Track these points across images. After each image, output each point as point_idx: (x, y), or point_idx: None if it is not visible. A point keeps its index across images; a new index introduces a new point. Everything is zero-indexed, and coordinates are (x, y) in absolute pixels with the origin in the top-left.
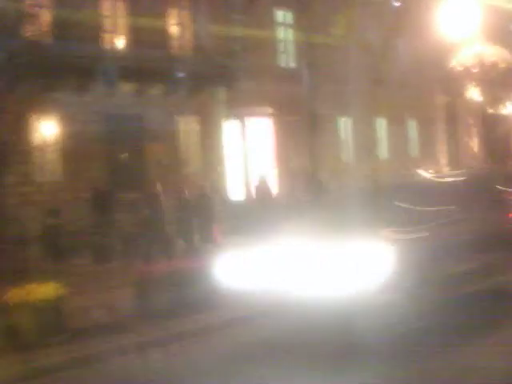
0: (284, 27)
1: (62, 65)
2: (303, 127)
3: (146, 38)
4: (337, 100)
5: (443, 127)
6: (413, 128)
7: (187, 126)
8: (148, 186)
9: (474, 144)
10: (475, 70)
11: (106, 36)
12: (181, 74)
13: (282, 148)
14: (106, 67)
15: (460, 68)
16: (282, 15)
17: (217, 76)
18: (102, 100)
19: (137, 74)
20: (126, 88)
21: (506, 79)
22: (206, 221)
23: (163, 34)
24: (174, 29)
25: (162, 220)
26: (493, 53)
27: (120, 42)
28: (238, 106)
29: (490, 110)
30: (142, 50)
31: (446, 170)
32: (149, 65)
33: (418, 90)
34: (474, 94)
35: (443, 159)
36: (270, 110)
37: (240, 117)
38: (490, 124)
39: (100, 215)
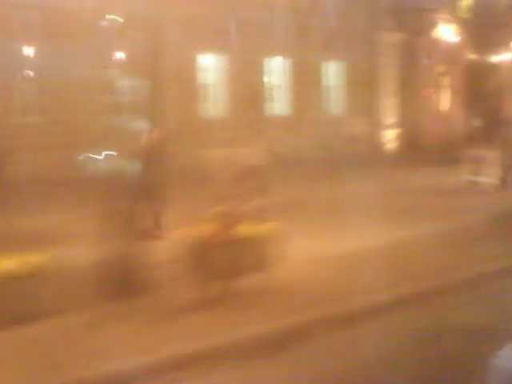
0: None
1: None
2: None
3: None
4: (196, 29)
5: (394, 74)
6: (337, 73)
7: None
8: None
9: (445, 99)
10: None
11: None
12: None
13: None
14: None
15: None
16: None
17: None
18: None
19: None
20: None
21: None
22: None
23: None
24: None
25: None
26: None
27: None
28: None
29: (473, 56)
30: None
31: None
32: None
33: (356, 21)
34: (445, 32)
35: (389, 118)
36: None
37: None
38: (473, 75)
39: None
